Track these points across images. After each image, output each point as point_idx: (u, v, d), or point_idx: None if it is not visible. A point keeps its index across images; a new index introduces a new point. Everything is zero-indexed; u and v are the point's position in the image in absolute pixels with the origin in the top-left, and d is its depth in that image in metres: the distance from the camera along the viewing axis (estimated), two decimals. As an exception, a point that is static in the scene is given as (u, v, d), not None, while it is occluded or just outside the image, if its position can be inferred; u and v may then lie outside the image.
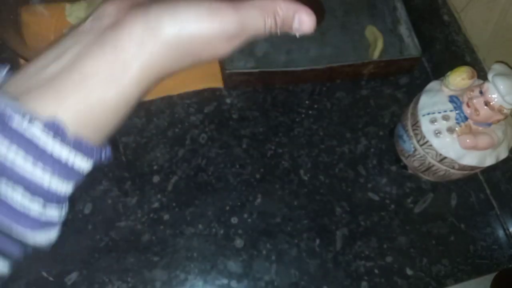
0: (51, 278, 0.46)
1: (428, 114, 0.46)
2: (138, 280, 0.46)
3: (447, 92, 0.46)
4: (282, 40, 0.60)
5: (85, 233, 0.48)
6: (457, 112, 0.45)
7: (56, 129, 0.20)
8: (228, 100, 0.56)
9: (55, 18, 0.56)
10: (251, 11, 0.24)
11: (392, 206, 0.53)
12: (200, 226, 0.49)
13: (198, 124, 0.55)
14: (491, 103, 0.41)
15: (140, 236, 0.48)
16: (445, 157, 0.45)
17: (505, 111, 0.41)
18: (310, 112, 0.57)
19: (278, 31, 0.26)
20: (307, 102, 0.57)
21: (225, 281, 0.47)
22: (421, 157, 0.48)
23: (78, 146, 0.21)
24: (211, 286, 0.47)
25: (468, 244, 0.52)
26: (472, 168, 0.46)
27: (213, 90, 0.57)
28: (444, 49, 0.59)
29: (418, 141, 0.47)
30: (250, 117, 0.56)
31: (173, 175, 0.51)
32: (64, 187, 0.21)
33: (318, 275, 0.48)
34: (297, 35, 0.27)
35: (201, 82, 0.57)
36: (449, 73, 0.45)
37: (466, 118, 0.44)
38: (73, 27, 0.23)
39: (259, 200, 0.51)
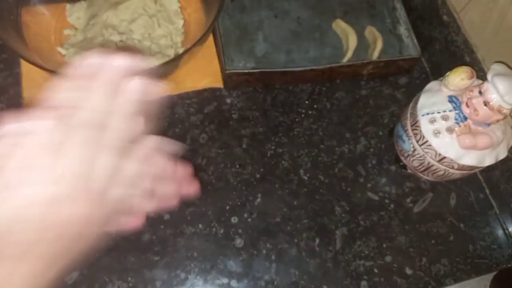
0: (51, 278, 0.46)
1: (428, 114, 0.46)
2: (139, 279, 0.46)
3: (446, 92, 0.46)
4: (282, 40, 0.60)
5: (85, 232, 0.48)
6: (456, 112, 0.45)
7: None
8: (228, 100, 0.57)
9: (55, 19, 0.56)
10: None
11: (392, 205, 0.53)
12: (200, 225, 0.50)
13: (198, 124, 0.55)
14: (490, 103, 0.41)
15: (141, 235, 0.48)
16: (444, 157, 0.45)
17: (504, 111, 0.41)
18: (310, 112, 0.57)
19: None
20: (306, 102, 0.58)
21: (225, 280, 0.47)
22: (420, 157, 0.48)
23: None
24: (211, 285, 0.47)
25: (467, 244, 0.52)
26: (471, 168, 0.46)
27: (213, 90, 0.57)
28: (443, 49, 0.59)
29: (417, 141, 0.47)
30: (250, 117, 0.56)
31: (173, 175, 0.51)
32: None
33: (318, 275, 0.48)
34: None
35: (201, 82, 0.57)
36: (448, 73, 0.45)
37: (465, 118, 0.44)
38: None
39: (259, 200, 0.51)
